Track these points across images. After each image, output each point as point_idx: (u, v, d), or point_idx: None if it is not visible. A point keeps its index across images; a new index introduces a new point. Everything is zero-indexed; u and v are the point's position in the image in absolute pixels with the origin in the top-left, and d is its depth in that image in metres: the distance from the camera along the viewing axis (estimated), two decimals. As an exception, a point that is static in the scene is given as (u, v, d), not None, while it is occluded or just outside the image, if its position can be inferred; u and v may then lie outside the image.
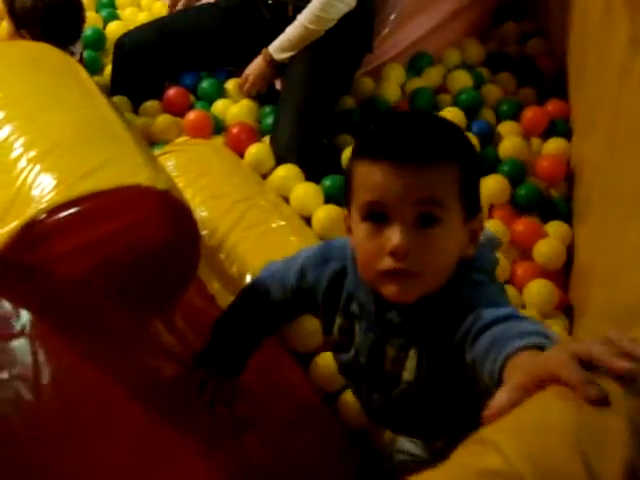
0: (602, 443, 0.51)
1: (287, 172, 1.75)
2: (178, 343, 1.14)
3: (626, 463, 0.51)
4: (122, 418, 0.97)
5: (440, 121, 0.89)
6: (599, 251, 1.44)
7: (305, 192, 1.70)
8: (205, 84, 2.05)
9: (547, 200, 1.82)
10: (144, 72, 1.99)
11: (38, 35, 1.82)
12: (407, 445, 1.14)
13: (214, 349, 1.08)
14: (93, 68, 2.13)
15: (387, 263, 0.80)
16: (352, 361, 0.96)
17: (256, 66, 1.96)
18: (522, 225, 1.73)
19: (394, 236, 0.79)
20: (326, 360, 1.32)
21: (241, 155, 1.83)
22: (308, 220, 1.67)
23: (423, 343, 0.87)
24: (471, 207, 0.84)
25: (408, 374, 0.89)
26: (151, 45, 1.98)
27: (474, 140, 1.88)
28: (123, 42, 2.00)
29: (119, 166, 1.11)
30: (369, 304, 0.90)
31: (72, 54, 1.94)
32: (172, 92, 1.99)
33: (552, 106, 2.03)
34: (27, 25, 1.86)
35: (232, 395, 1.06)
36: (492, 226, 1.68)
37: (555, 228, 1.72)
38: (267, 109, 1.98)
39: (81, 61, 2.00)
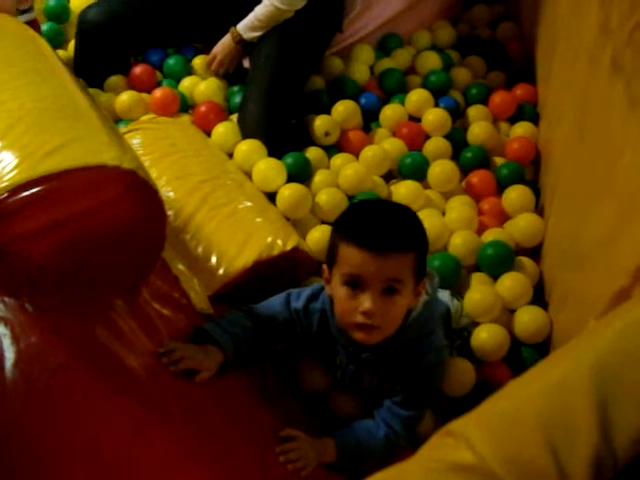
0: (571, 438, 0.51)
1: (250, 146, 1.73)
2: (141, 324, 1.13)
3: (592, 457, 0.52)
4: (86, 400, 0.96)
5: (406, 214, 1.21)
6: (569, 234, 1.46)
7: (267, 167, 1.68)
8: (172, 61, 2.01)
9: (527, 181, 1.83)
10: (109, 47, 1.93)
11: None
12: None
13: (223, 322, 1.24)
14: (56, 42, 2.07)
15: (360, 319, 1.14)
16: (339, 377, 1.32)
17: (224, 45, 1.93)
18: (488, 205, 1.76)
19: (366, 302, 1.12)
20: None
21: (208, 134, 1.81)
22: (270, 195, 1.66)
23: (386, 372, 1.26)
24: (419, 277, 1.18)
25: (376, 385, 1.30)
26: (116, 19, 1.92)
27: (445, 116, 1.91)
28: (87, 15, 1.94)
29: (84, 145, 1.08)
30: (348, 346, 1.25)
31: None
32: (138, 69, 1.95)
33: (520, 91, 2.04)
34: None
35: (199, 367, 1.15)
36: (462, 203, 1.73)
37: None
38: (235, 88, 1.95)
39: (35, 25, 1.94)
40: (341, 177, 1.72)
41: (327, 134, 1.85)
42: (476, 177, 1.81)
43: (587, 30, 1.49)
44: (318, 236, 1.57)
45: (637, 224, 1.10)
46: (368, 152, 1.80)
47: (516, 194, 1.74)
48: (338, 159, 1.80)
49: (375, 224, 1.15)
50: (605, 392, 0.57)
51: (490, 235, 1.64)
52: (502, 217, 1.74)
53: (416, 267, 1.16)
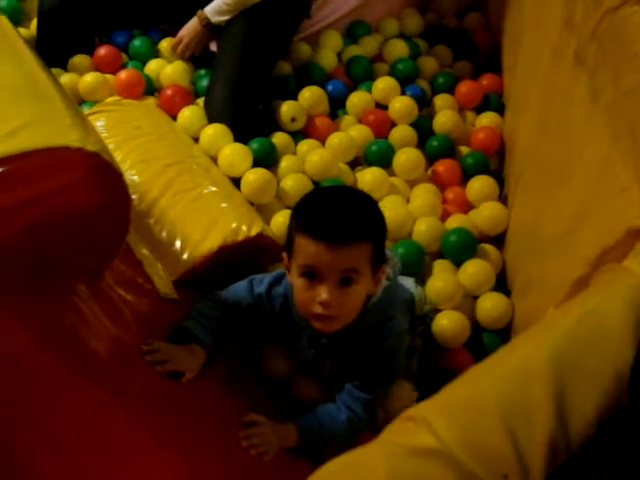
0: (529, 424, 0.53)
1: (216, 131, 1.72)
2: (105, 309, 1.12)
3: (549, 442, 0.54)
4: (48, 385, 0.95)
5: (363, 202, 1.19)
6: (531, 224, 1.48)
7: (233, 152, 1.67)
8: (137, 43, 1.98)
9: (491, 171, 1.86)
10: (72, 27, 1.90)
11: None
12: None
13: (202, 319, 1.25)
14: (15, 19, 2.02)
15: (318, 309, 1.14)
16: (301, 361, 1.33)
17: (191, 28, 1.91)
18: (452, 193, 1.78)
19: (323, 293, 1.13)
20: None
21: (174, 117, 1.79)
22: (235, 181, 1.65)
23: (346, 357, 1.27)
24: (377, 265, 1.18)
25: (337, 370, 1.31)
26: None
27: (411, 104, 1.91)
28: (50, -7, 1.90)
29: (46, 126, 1.06)
30: (307, 331, 1.26)
31: None
32: (103, 51, 1.92)
33: (486, 81, 2.06)
34: None
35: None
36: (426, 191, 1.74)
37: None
38: (202, 71, 1.93)
39: None
40: (307, 163, 1.72)
41: (293, 120, 1.84)
42: (442, 166, 1.83)
43: (552, 23, 1.51)
44: (282, 221, 1.57)
45: (596, 215, 1.13)
46: (334, 139, 1.80)
47: (480, 184, 1.76)
48: (304, 145, 1.80)
49: (330, 215, 1.14)
50: (562, 380, 0.59)
51: (454, 222, 1.66)
52: (466, 206, 1.76)
53: (373, 256, 1.16)
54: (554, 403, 0.56)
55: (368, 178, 1.73)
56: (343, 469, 0.52)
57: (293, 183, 1.67)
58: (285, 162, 1.74)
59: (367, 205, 1.19)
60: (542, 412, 0.55)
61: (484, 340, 1.50)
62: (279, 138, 1.80)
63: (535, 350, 0.60)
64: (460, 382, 0.58)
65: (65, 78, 1.84)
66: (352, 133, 1.84)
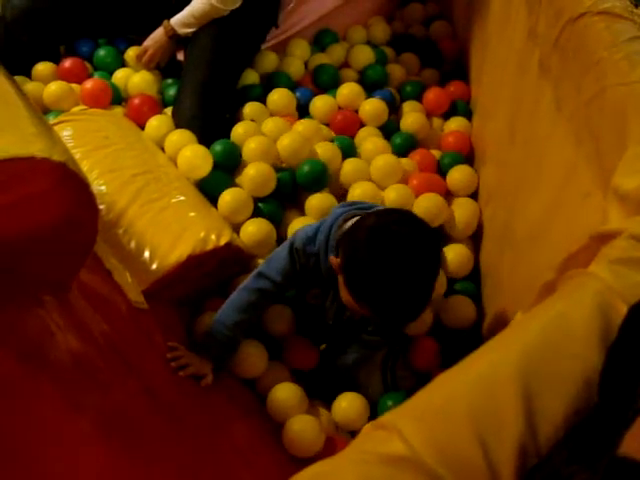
0: (498, 429, 0.53)
1: (181, 137, 1.71)
2: (71, 321, 1.10)
3: (518, 447, 0.54)
4: (8, 398, 0.93)
5: (431, 272, 1.21)
6: (502, 228, 1.51)
7: (193, 154, 1.66)
8: (103, 52, 1.96)
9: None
10: (36, 35, 1.87)
11: None
12: None
13: (220, 346, 1.33)
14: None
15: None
16: (321, 314, 1.42)
17: (156, 38, 1.89)
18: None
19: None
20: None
21: (142, 127, 1.78)
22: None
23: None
24: None
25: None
26: (42, 6, 1.86)
27: (382, 106, 1.92)
28: (11, 1, 1.87)
29: (10, 135, 1.04)
30: (334, 288, 1.29)
31: None
32: (68, 63, 1.89)
33: (453, 87, 2.08)
34: None
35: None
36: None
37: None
38: (169, 81, 1.92)
39: None
40: (279, 147, 1.71)
41: (252, 121, 1.83)
42: (418, 155, 1.85)
43: (516, 33, 1.53)
44: (252, 231, 1.57)
45: (562, 220, 1.14)
46: (299, 126, 1.80)
47: (460, 174, 1.79)
48: (270, 123, 1.80)
49: (398, 310, 1.17)
50: (530, 385, 0.60)
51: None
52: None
53: None
54: (523, 408, 0.56)
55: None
56: (314, 478, 0.52)
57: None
58: (252, 144, 1.72)
59: (433, 274, 1.20)
60: (511, 417, 0.55)
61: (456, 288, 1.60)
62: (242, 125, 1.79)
63: (503, 356, 0.61)
64: (430, 389, 0.58)
65: (29, 87, 1.82)
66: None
